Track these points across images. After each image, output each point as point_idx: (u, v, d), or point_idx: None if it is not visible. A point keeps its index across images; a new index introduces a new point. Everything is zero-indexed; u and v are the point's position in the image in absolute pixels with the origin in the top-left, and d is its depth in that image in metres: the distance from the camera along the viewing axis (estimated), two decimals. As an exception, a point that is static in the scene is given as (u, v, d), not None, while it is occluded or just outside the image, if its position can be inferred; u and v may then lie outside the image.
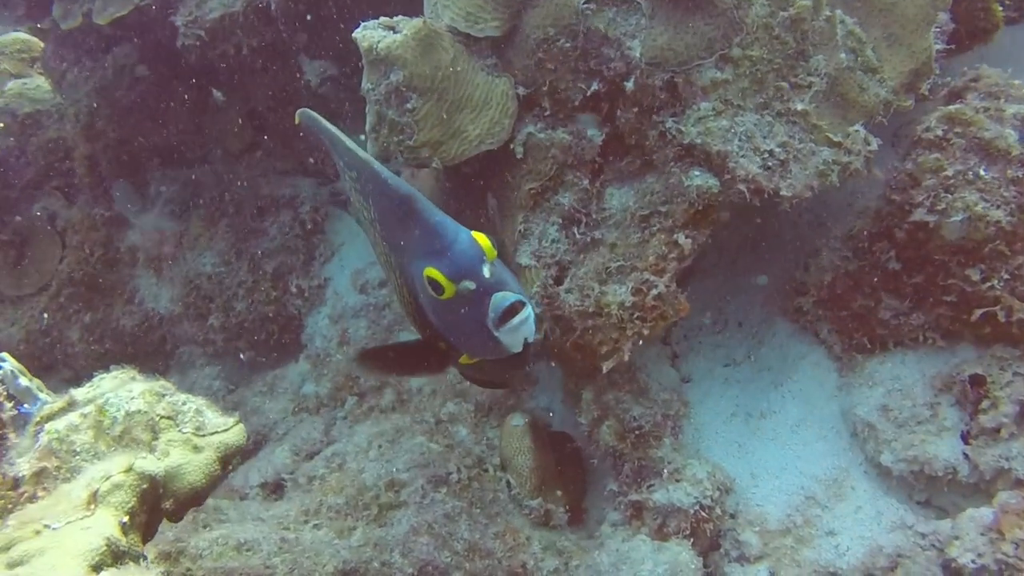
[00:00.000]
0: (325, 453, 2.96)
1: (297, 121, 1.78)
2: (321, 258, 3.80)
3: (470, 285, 1.45)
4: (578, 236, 2.32)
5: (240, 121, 3.78)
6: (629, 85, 2.15)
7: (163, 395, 1.86)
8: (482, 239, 1.48)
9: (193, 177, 3.95)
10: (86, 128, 3.60)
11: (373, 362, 2.02)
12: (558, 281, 2.34)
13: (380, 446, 2.63)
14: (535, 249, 2.34)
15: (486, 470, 2.55)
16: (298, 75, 3.82)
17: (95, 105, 3.53)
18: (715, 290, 2.93)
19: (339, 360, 3.62)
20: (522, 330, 1.48)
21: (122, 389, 1.85)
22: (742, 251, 2.95)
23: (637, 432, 2.44)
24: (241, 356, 3.78)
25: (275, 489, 3.07)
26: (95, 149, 3.78)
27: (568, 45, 2.18)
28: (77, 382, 4.18)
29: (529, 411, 2.89)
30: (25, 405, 2.30)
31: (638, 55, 2.13)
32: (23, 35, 4.85)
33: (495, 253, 1.50)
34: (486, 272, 1.46)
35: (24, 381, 2.26)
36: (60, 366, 4.20)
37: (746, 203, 2.19)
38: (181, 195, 3.93)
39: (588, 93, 2.21)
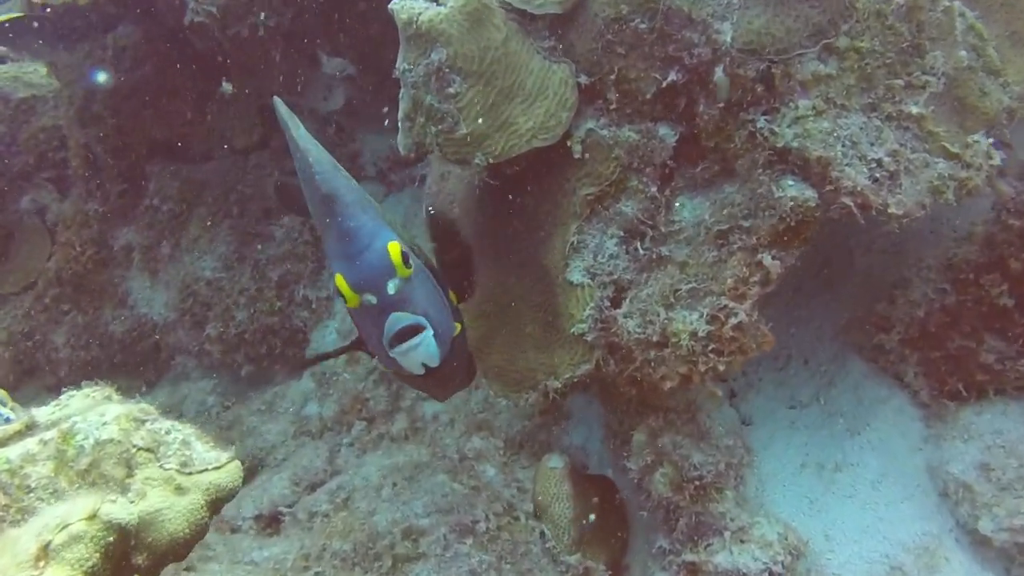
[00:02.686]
0: (329, 486, 2.62)
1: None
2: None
3: (372, 299, 1.41)
4: (641, 252, 1.99)
5: (249, 116, 3.47)
6: (717, 74, 1.81)
7: (143, 421, 1.51)
8: (394, 252, 1.40)
9: (195, 174, 3.63)
10: (81, 112, 3.27)
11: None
12: (615, 303, 2.00)
13: (395, 484, 2.28)
14: (589, 265, 2.01)
15: (517, 518, 2.21)
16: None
17: (91, 88, 3.21)
18: (776, 320, 2.58)
19: (347, 379, 3.29)
20: (411, 356, 1.42)
21: (93, 412, 1.51)
22: (806, 276, 2.62)
23: (697, 482, 2.09)
24: (241, 372, 3.43)
25: (271, 523, 2.73)
26: (90, 137, 3.46)
27: (644, 27, 1.85)
28: (59, 390, 3.92)
29: (564, 449, 2.55)
30: (-15, 421, 1.97)
31: (728, 40, 1.80)
32: (20, 15, 4.56)
33: (407, 271, 1.43)
34: (390, 288, 1.40)
35: (-17, 393, 1.92)
36: (43, 372, 3.89)
37: (841, 220, 1.86)
38: (181, 193, 3.60)
39: (664, 84, 1.88)
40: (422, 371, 1.49)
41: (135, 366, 3.77)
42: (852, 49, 1.81)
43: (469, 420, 2.85)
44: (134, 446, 1.48)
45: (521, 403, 2.22)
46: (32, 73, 4.08)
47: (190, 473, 1.48)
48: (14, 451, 1.48)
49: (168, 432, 1.53)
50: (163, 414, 2.76)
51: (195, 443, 1.54)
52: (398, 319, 1.40)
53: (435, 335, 1.44)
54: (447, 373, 1.64)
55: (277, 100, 1.66)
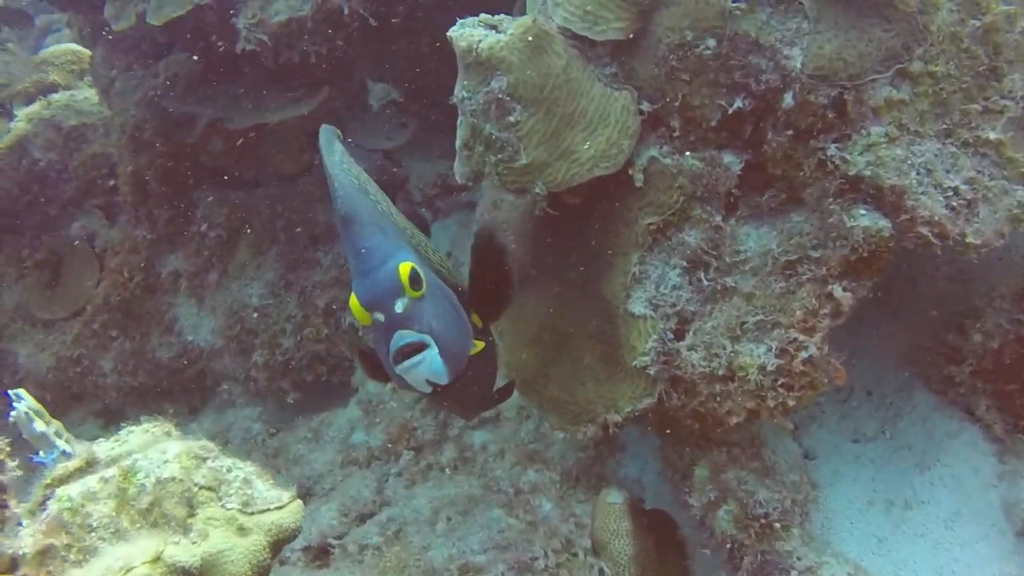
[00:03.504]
0: (379, 518, 2.58)
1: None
2: (379, 294, 3.43)
3: (380, 317, 1.43)
4: (705, 282, 1.93)
5: (297, 142, 3.47)
6: (787, 101, 1.76)
7: (204, 459, 1.48)
8: (403, 271, 1.42)
9: (242, 201, 3.64)
10: (132, 140, 3.29)
11: (370, 363, 1.84)
12: (679, 336, 1.95)
13: (449, 518, 2.23)
14: (651, 296, 1.96)
15: (576, 554, 2.15)
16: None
17: (143, 115, 3.22)
18: (836, 350, 2.51)
19: (393, 408, 3.25)
20: (413, 373, 1.43)
21: (154, 449, 1.48)
22: (867, 305, 2.54)
23: (763, 520, 2.02)
24: (287, 399, 3.41)
25: (320, 555, 2.69)
26: (140, 164, 3.47)
27: (708, 53, 1.81)
28: (107, 415, 3.93)
29: (619, 482, 2.48)
30: (40, 453, 1.95)
31: (799, 65, 1.75)
32: (73, 46, 4.64)
33: (416, 292, 1.44)
34: (398, 307, 1.41)
35: (40, 425, 1.91)
36: (89, 397, 3.90)
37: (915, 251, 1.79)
38: (229, 219, 3.60)
39: (729, 111, 1.83)
40: (428, 389, 1.49)
41: (180, 392, 3.77)
42: (926, 73, 1.75)
43: (520, 451, 2.80)
44: (196, 484, 1.45)
45: (579, 436, 2.17)
46: (82, 101, 4.13)
47: (252, 513, 1.45)
48: (75, 489, 1.46)
49: (229, 470, 1.49)
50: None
51: (256, 481, 1.51)
52: (401, 337, 1.41)
53: (443, 353, 1.43)
54: (464, 392, 1.65)
55: (323, 127, 1.70)
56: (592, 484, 2.40)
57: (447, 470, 2.88)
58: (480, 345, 1.60)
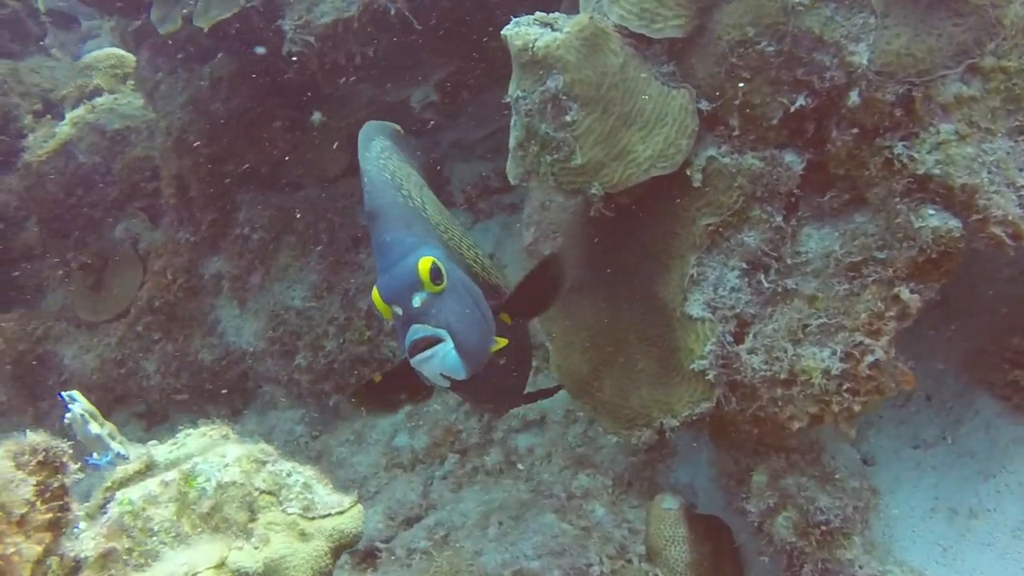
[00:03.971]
0: (427, 522, 2.56)
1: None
2: (423, 296, 3.41)
3: (399, 311, 1.44)
4: (766, 284, 1.89)
5: (338, 143, 3.47)
6: (852, 99, 1.72)
7: (264, 463, 1.47)
8: (423, 266, 1.42)
9: (285, 203, 3.64)
10: (177, 143, 3.30)
11: (367, 399, 1.85)
12: (738, 339, 1.90)
13: (501, 523, 2.20)
14: (710, 298, 1.92)
15: (630, 561, 2.11)
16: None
17: (188, 118, 3.23)
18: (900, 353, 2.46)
19: (437, 411, 3.23)
20: (426, 367, 1.43)
21: (213, 452, 1.47)
22: (926, 307, 2.48)
23: (823, 527, 1.97)
24: (330, 402, 3.40)
25: (366, 558, 2.68)
26: (183, 167, 3.49)
27: (771, 50, 1.76)
28: (149, 417, 3.95)
29: (671, 487, 2.45)
30: (94, 455, 1.95)
31: (865, 62, 1.70)
32: (115, 50, 4.68)
33: (436, 286, 1.43)
34: (415, 301, 1.42)
35: (95, 427, 1.91)
36: (133, 398, 3.92)
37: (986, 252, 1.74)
38: (271, 221, 3.61)
39: (791, 109, 1.79)
40: (445, 383, 1.50)
41: (223, 394, 3.78)
42: (998, 69, 1.69)
43: (568, 455, 2.77)
44: (256, 489, 1.43)
45: (633, 441, 2.14)
46: (126, 105, 4.16)
47: (313, 518, 1.43)
48: (135, 492, 1.45)
49: (289, 474, 1.48)
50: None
51: (316, 486, 1.49)
52: (415, 331, 1.41)
53: (459, 348, 1.43)
54: (486, 388, 1.65)
55: (368, 124, 1.73)
56: (644, 489, 2.36)
57: (493, 474, 2.86)
58: (502, 342, 1.58)
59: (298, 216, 3.49)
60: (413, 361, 1.43)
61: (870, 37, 1.70)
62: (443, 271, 1.45)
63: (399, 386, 1.78)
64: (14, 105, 4.19)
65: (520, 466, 2.83)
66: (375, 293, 1.46)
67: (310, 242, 3.56)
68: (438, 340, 1.41)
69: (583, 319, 2.20)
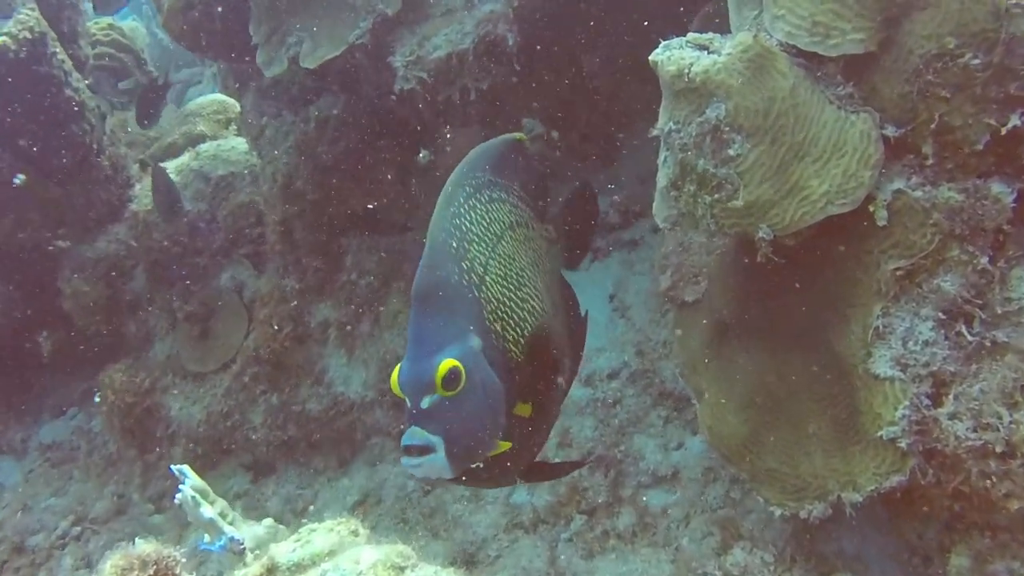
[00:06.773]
0: (561, 598, 2.32)
1: None
2: (538, 344, 3.20)
3: (408, 403, 1.42)
4: (969, 337, 1.60)
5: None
6: (1086, 117, 1.44)
7: (402, 568, 1.26)
8: (440, 371, 1.37)
9: (393, 246, 3.49)
10: (283, 189, 3.19)
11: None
12: (936, 401, 1.62)
13: (650, 607, 1.95)
14: (899, 355, 1.64)
15: (804, 657, 1.83)
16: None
17: (294, 163, 3.12)
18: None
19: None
20: (414, 472, 1.39)
21: (345, 558, 1.27)
22: None
23: (1045, 625, 1.66)
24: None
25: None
26: (289, 213, 3.38)
27: (977, 62, 1.49)
28: (255, 468, 3.83)
29: (838, 557, 2.15)
30: (206, 538, 1.78)
31: (1103, 72, 1.42)
32: (220, 96, 4.67)
33: (449, 392, 1.37)
34: (424, 403, 1.39)
35: (207, 511, 1.74)
36: (239, 451, 3.81)
37: None
38: (379, 266, 3.47)
39: (1002, 132, 1.51)
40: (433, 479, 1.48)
41: (331, 446, 3.65)
42: None
43: (709, 518, 2.51)
44: (395, 601, 1.22)
45: (802, 515, 1.87)
46: (230, 151, 4.11)
47: (462, 635, 1.21)
48: (258, 602, 1.26)
49: (430, 582, 1.26)
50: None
51: (462, 594, 1.27)
52: (412, 435, 1.39)
53: (450, 454, 1.37)
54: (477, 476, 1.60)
55: (469, 156, 1.64)
56: (812, 567, 2.08)
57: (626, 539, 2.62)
58: (505, 446, 1.50)
59: (408, 261, 3.33)
60: (403, 462, 1.41)
61: (1106, 42, 1.42)
62: (463, 376, 1.40)
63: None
64: (122, 156, 4.18)
65: (655, 533, 2.58)
66: (394, 377, 1.43)
67: (420, 288, 3.40)
68: (429, 450, 1.38)
69: (740, 377, 1.95)
